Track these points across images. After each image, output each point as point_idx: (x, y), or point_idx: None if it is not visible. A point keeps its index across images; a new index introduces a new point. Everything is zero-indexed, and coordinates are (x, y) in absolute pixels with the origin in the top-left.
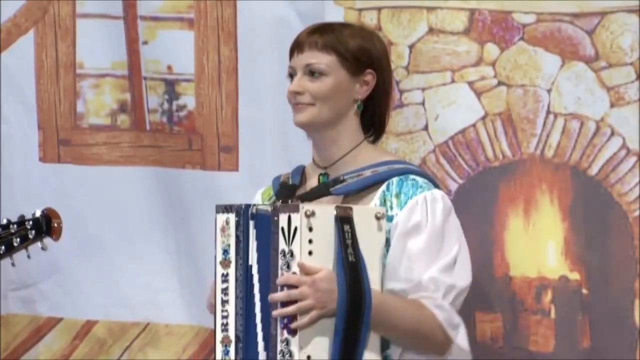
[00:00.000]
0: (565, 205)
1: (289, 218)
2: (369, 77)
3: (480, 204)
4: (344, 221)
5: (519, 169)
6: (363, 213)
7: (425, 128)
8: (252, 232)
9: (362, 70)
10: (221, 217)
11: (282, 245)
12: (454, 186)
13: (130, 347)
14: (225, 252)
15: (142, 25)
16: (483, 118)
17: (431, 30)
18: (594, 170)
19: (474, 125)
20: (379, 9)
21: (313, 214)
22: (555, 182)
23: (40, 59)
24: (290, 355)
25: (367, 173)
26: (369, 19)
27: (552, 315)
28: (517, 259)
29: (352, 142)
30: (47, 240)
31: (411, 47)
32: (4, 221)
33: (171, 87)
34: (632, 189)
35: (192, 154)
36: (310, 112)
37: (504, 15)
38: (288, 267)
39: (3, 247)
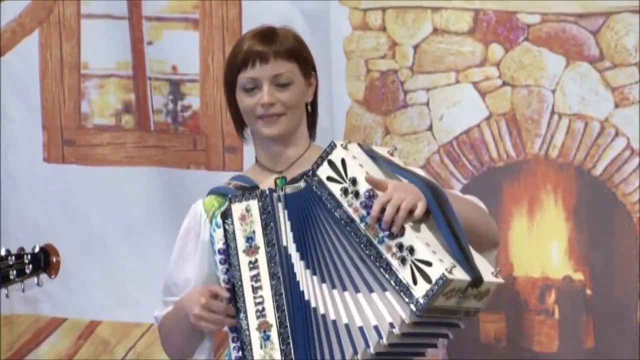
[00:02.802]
0: (569, 206)
1: (330, 162)
2: (313, 78)
3: (484, 204)
4: (371, 151)
5: (523, 169)
6: (378, 148)
7: (430, 128)
8: (283, 214)
9: (310, 72)
10: (239, 207)
11: (337, 188)
12: (458, 186)
13: (134, 347)
14: (250, 239)
15: (146, 25)
16: (487, 118)
17: (436, 31)
18: (598, 171)
19: (478, 126)
20: (384, 9)
21: (347, 146)
22: (559, 182)
23: (44, 59)
24: (412, 251)
25: None
26: (374, 19)
27: (556, 315)
28: (521, 259)
29: (305, 144)
30: (44, 277)
31: (416, 47)
32: (3, 252)
33: (176, 88)
34: (636, 189)
35: (196, 154)
36: (282, 122)
37: (509, 16)
38: (356, 195)
39: None
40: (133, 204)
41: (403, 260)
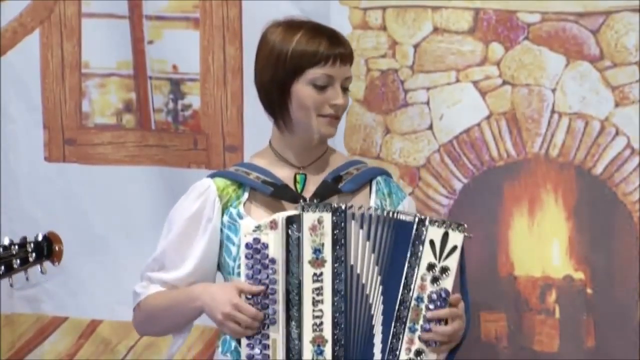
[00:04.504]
0: (569, 205)
1: (446, 234)
2: None
3: (484, 204)
4: (463, 243)
5: (523, 168)
6: None
7: (430, 127)
8: (356, 233)
9: None
10: (310, 217)
11: (429, 256)
12: (458, 186)
13: (135, 346)
14: (318, 251)
15: (147, 24)
16: (488, 117)
17: (436, 30)
18: (598, 170)
19: (478, 125)
20: (384, 9)
21: (464, 240)
22: (559, 181)
23: (45, 58)
24: None
25: (353, 171)
26: (374, 19)
27: (557, 314)
28: (522, 259)
29: (326, 146)
30: (47, 264)
31: (416, 46)
32: (6, 241)
33: (176, 87)
34: (637, 189)
35: (197, 153)
36: (337, 125)
37: (509, 15)
38: (434, 282)
39: (2, 268)
40: (134, 203)
41: None
